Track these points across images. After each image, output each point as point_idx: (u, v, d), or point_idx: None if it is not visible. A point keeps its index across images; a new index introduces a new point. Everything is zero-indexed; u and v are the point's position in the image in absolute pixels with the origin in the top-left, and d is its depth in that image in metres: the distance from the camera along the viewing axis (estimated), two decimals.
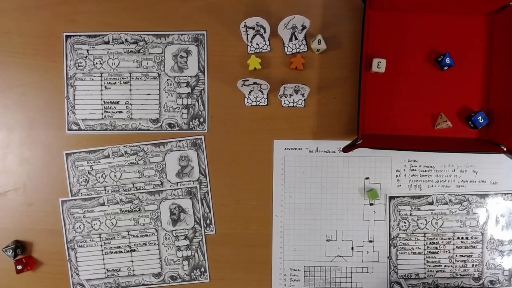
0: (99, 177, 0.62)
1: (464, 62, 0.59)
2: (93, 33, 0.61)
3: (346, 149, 0.55)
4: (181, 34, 0.61)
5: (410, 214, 0.61)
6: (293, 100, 0.60)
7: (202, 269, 0.62)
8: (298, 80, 0.60)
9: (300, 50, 0.60)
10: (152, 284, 0.63)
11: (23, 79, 0.61)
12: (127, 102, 0.61)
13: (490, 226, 0.61)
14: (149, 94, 0.61)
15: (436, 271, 0.61)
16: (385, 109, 0.59)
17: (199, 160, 0.61)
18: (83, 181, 0.62)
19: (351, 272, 0.62)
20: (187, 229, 0.62)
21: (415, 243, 0.61)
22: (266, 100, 0.61)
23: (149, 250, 0.62)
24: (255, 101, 0.61)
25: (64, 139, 0.62)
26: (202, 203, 0.62)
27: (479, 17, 0.59)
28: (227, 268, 0.62)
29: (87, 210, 0.62)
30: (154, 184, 0.62)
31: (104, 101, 0.61)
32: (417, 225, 0.61)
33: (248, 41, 0.59)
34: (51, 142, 0.62)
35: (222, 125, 0.61)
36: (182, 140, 0.61)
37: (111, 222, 0.62)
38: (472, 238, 0.61)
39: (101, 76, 0.61)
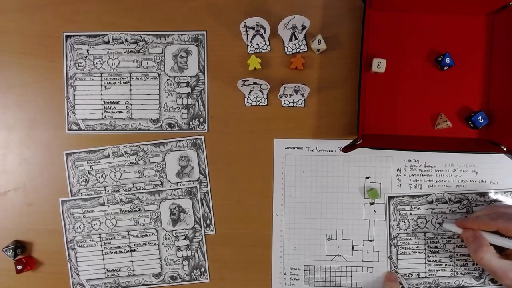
0: (99, 177, 0.62)
1: (464, 62, 0.59)
2: (93, 33, 0.61)
3: (346, 149, 0.55)
4: (181, 34, 0.61)
5: (410, 214, 0.61)
6: (293, 100, 0.60)
7: (202, 269, 0.62)
8: (298, 80, 0.60)
9: (300, 50, 0.60)
10: (152, 284, 0.63)
11: (23, 79, 0.61)
12: (127, 102, 0.61)
13: None
14: (149, 94, 0.61)
15: (437, 270, 0.61)
16: (385, 109, 0.59)
17: (199, 160, 0.61)
18: (83, 181, 0.62)
19: (351, 272, 0.62)
20: (187, 229, 0.62)
21: (415, 242, 0.61)
22: (266, 100, 0.61)
23: (149, 250, 0.62)
24: (255, 101, 0.61)
25: (64, 139, 0.62)
26: (202, 203, 0.62)
27: (479, 17, 0.59)
28: (227, 268, 0.62)
29: (87, 210, 0.62)
30: (154, 184, 0.62)
31: (104, 101, 0.61)
32: (417, 225, 0.61)
33: (248, 41, 0.59)
34: (51, 142, 0.62)
35: (222, 125, 0.61)
36: (182, 140, 0.61)
37: (111, 222, 0.62)
38: None
39: (101, 76, 0.61)
